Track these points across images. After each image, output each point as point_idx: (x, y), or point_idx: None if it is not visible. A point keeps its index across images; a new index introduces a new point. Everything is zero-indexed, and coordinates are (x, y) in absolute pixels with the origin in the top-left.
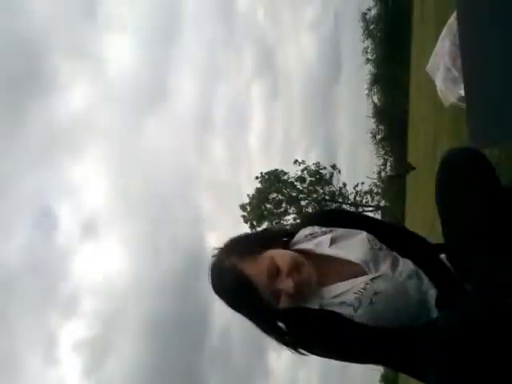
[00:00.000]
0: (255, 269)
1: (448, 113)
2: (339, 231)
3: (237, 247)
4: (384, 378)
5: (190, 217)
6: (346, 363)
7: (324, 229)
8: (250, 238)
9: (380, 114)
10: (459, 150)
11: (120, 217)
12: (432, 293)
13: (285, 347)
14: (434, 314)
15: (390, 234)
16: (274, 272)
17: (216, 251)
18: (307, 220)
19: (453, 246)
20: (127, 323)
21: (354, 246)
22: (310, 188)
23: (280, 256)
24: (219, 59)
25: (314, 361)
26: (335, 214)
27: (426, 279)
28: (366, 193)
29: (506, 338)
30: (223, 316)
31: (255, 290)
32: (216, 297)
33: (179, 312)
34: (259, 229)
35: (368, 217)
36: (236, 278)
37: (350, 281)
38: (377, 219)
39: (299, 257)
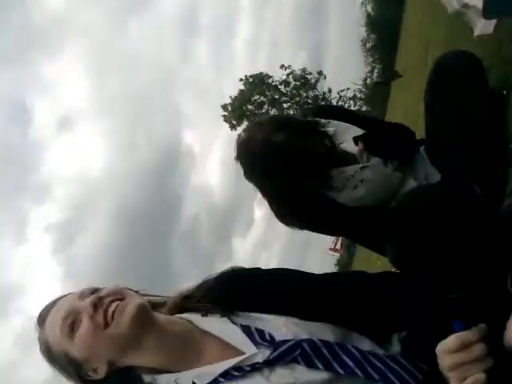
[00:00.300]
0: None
1: (445, 23)
2: (336, 125)
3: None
4: (339, 262)
5: (168, 114)
6: (303, 249)
7: (324, 121)
8: (292, 120)
9: (372, 23)
10: (455, 52)
11: (98, 113)
12: (411, 183)
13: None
14: None
15: (379, 129)
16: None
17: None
18: (306, 113)
19: (434, 141)
20: (99, 210)
21: (349, 139)
22: (294, 92)
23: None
24: None
25: (276, 245)
26: (323, 109)
27: (410, 171)
28: (349, 98)
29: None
30: (193, 205)
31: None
32: (188, 188)
33: (152, 201)
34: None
35: (354, 112)
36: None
37: (347, 168)
38: (364, 115)
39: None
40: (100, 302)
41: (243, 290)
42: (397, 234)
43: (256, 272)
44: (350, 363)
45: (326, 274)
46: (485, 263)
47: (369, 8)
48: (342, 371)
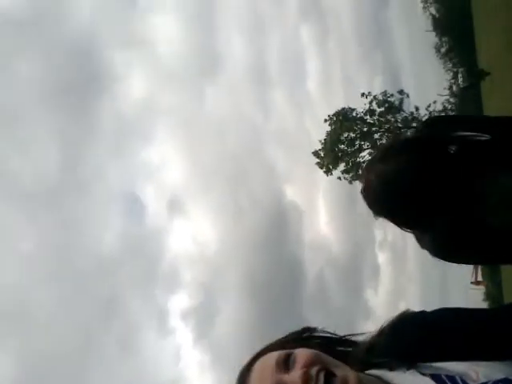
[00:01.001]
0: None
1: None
2: None
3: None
4: (487, 295)
5: (265, 174)
6: (443, 288)
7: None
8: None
9: (440, 25)
10: None
11: (200, 188)
12: None
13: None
14: None
15: None
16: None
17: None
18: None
19: None
20: (225, 286)
21: None
22: (381, 119)
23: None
24: (262, 12)
25: (410, 289)
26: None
27: None
28: (440, 111)
29: None
30: (314, 263)
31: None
32: (303, 246)
33: (272, 266)
34: None
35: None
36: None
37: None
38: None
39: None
40: (309, 377)
41: (418, 338)
42: None
43: (423, 316)
44: None
45: (498, 308)
46: None
47: (432, 10)
48: None
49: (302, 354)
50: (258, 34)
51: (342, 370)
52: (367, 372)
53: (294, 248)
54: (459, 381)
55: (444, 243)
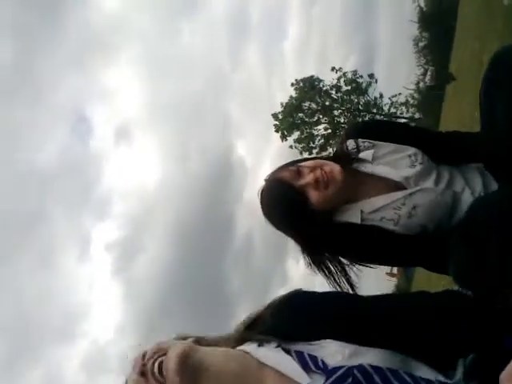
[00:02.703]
0: (281, 175)
1: (501, 16)
2: (383, 147)
3: (278, 167)
4: (397, 287)
5: (220, 123)
6: (362, 271)
7: (367, 143)
8: (294, 160)
9: (425, 20)
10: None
11: (152, 122)
12: (467, 197)
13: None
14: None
15: (435, 144)
16: (295, 174)
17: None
18: (350, 132)
19: (489, 146)
20: (155, 225)
21: (395, 163)
22: (345, 97)
23: (304, 163)
24: None
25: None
26: (376, 125)
27: (463, 186)
28: (401, 104)
29: None
30: (247, 222)
31: (294, 190)
32: (241, 202)
33: (205, 216)
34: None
35: (411, 127)
36: (271, 184)
37: (390, 195)
38: (421, 129)
39: (323, 161)
40: (145, 368)
41: (298, 316)
42: (462, 249)
43: (315, 295)
44: None
45: (384, 296)
46: None
47: (421, 2)
48: None
49: (149, 349)
50: None
51: (173, 349)
52: (239, 347)
53: (231, 203)
54: (320, 362)
55: (348, 248)
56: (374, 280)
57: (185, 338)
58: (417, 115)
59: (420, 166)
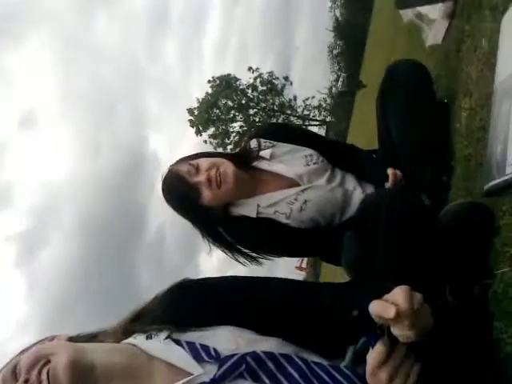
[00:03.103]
0: (180, 168)
1: (405, 32)
2: (282, 147)
3: (182, 157)
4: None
5: (134, 116)
6: (270, 267)
7: (268, 143)
8: (199, 153)
9: (340, 29)
10: (404, 62)
11: (62, 111)
12: (357, 194)
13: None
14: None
15: (331, 149)
16: (193, 170)
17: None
18: (253, 133)
19: (384, 150)
20: (62, 218)
21: (291, 162)
22: (261, 97)
23: (205, 159)
24: None
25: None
26: (279, 128)
27: (354, 185)
28: (314, 107)
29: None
30: (159, 216)
31: (181, 180)
32: (153, 198)
33: (116, 210)
34: None
35: (311, 133)
36: (167, 179)
37: (284, 191)
38: (319, 135)
39: (223, 160)
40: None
41: (188, 304)
42: (354, 243)
43: (205, 281)
44: (295, 374)
45: (281, 282)
46: (425, 273)
47: (337, 12)
48: (287, 383)
49: (24, 360)
50: None
51: (57, 358)
52: (126, 341)
53: (143, 198)
54: (212, 351)
55: (244, 239)
56: (283, 274)
57: (52, 339)
58: (328, 118)
59: (314, 165)
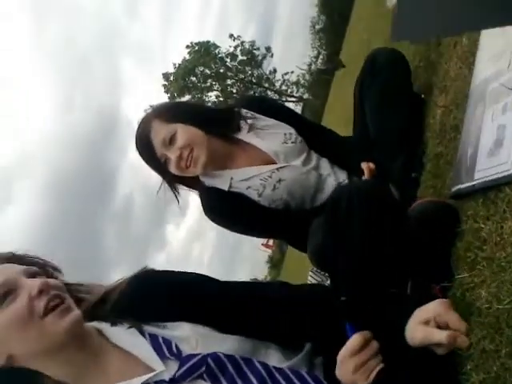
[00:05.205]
0: (157, 132)
1: (388, 16)
2: (263, 120)
3: (163, 110)
4: (270, 259)
5: (109, 77)
6: (237, 242)
7: (250, 114)
8: (180, 107)
9: (325, 3)
10: (385, 50)
11: (39, 66)
12: (330, 181)
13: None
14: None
15: (310, 131)
16: (167, 141)
17: (149, 109)
18: (238, 101)
19: (359, 137)
20: (29, 174)
21: (270, 137)
22: (239, 67)
23: (184, 131)
24: None
25: (209, 235)
26: (263, 101)
27: (329, 171)
28: (292, 83)
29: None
30: (129, 183)
31: (151, 147)
32: (125, 162)
33: (86, 171)
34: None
35: (294, 112)
36: (140, 134)
37: (259, 167)
38: (302, 116)
39: (200, 137)
40: (46, 291)
41: (154, 296)
42: (323, 232)
43: (168, 276)
44: (254, 381)
45: (241, 283)
46: (390, 265)
47: None
48: None
49: (55, 281)
50: None
51: (74, 307)
52: (90, 324)
53: (114, 162)
54: (174, 347)
55: (210, 210)
56: (249, 249)
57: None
58: (306, 96)
59: (292, 144)
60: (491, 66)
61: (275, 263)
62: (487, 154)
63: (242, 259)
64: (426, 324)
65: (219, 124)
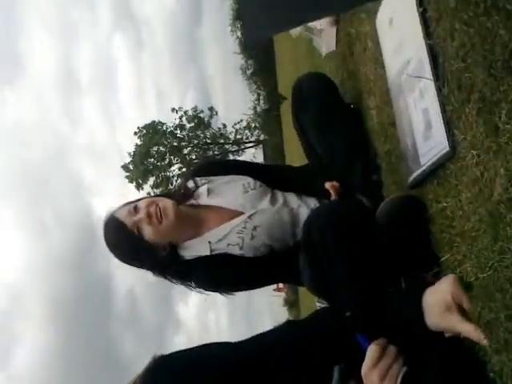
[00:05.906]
0: (121, 210)
1: (303, 42)
2: (217, 180)
3: (123, 204)
4: (286, 301)
5: (71, 188)
6: (248, 296)
7: (204, 180)
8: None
9: (246, 49)
10: (305, 76)
11: None
12: (303, 212)
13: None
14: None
15: (265, 173)
16: (132, 210)
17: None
18: (188, 174)
19: (311, 162)
20: (29, 308)
21: (230, 192)
22: (191, 134)
23: (144, 200)
24: (72, 15)
25: (219, 301)
26: (210, 163)
27: (298, 203)
28: (244, 128)
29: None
30: (125, 279)
31: (121, 223)
32: (115, 263)
33: (80, 285)
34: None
35: (242, 161)
36: (107, 223)
37: (230, 222)
38: (250, 162)
39: (161, 198)
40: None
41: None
42: (306, 261)
43: (177, 358)
44: None
45: (249, 341)
46: (378, 272)
47: (239, 34)
48: None
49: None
50: (67, 37)
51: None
52: None
53: (104, 266)
54: None
55: (205, 281)
56: (264, 297)
57: None
58: (262, 137)
59: (253, 191)
60: (397, 60)
61: (292, 304)
62: (423, 139)
63: (259, 311)
64: (449, 310)
65: (178, 196)
